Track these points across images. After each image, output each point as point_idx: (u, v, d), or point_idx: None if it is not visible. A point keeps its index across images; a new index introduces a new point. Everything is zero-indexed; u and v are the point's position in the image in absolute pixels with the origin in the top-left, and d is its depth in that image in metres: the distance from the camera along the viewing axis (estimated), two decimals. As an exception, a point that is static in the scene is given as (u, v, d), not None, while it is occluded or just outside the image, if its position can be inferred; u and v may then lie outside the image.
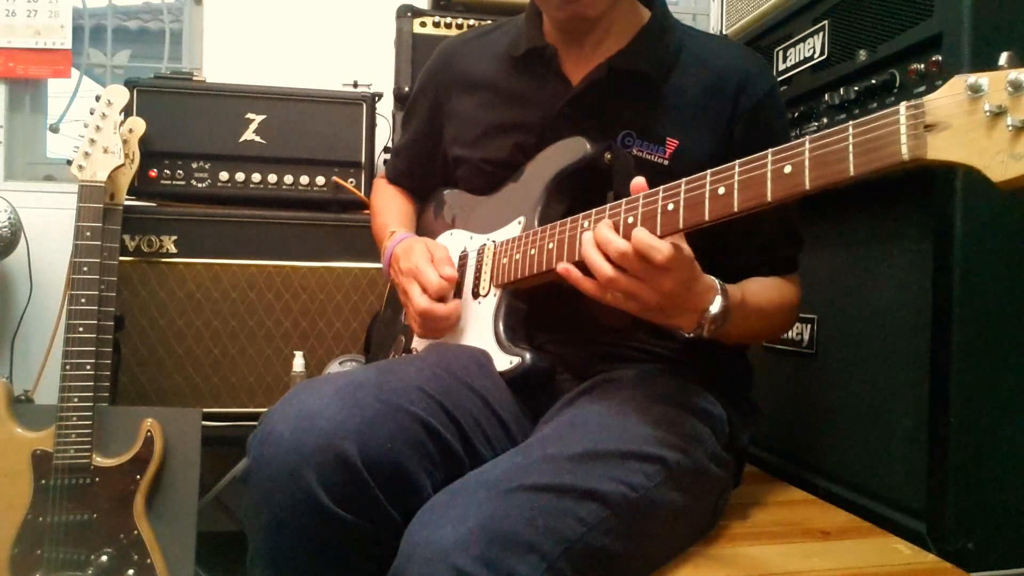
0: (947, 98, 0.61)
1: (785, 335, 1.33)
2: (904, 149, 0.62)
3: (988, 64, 0.59)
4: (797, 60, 1.33)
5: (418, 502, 0.76)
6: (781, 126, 1.08)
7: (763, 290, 1.01)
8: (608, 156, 0.99)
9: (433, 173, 1.25)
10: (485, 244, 1.08)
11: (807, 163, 0.69)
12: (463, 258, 1.12)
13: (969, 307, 0.95)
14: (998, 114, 0.58)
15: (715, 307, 0.86)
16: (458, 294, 1.09)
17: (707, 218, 0.77)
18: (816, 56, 1.28)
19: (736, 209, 0.75)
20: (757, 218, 1.04)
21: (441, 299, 1.03)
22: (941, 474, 0.96)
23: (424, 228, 1.26)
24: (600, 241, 0.83)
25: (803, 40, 1.32)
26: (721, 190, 0.76)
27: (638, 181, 0.85)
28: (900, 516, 1.03)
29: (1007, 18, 0.96)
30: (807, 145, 0.69)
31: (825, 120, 1.24)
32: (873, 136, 0.64)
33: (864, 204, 1.16)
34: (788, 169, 0.70)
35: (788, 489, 1.18)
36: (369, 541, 0.77)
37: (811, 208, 1.18)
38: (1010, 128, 0.57)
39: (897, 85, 1.08)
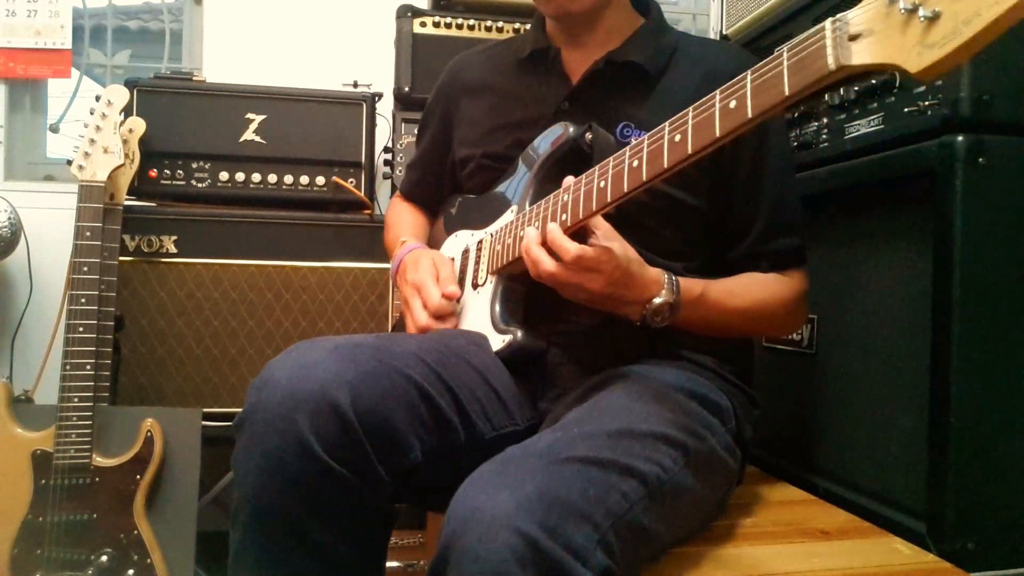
0: (868, 8, 0.63)
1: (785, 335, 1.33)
2: (830, 60, 0.65)
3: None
4: (797, 60, 1.33)
5: (406, 464, 0.81)
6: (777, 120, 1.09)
7: (744, 288, 1.03)
8: (589, 137, 1.02)
9: (444, 182, 1.30)
10: (483, 238, 1.11)
11: (748, 93, 0.72)
12: (464, 254, 1.15)
13: (969, 307, 0.95)
14: (912, 10, 0.59)
15: (657, 299, 0.91)
16: (460, 287, 1.11)
17: (666, 166, 0.80)
18: (816, 56, 1.28)
19: (690, 151, 0.77)
20: (749, 209, 1.06)
21: (440, 317, 1.06)
22: (941, 474, 0.96)
23: (435, 237, 1.29)
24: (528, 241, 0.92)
25: (803, 40, 1.32)
26: (677, 137, 0.79)
27: (567, 180, 0.93)
28: (900, 516, 1.03)
29: (1007, 18, 0.96)
30: (748, 77, 0.72)
31: (825, 120, 1.24)
32: (804, 55, 0.67)
33: (864, 204, 1.15)
34: (733, 104, 0.73)
35: (788, 489, 1.18)
36: (354, 495, 0.79)
37: (812, 207, 1.19)
38: (922, 20, 0.58)
39: (897, 85, 1.08)
